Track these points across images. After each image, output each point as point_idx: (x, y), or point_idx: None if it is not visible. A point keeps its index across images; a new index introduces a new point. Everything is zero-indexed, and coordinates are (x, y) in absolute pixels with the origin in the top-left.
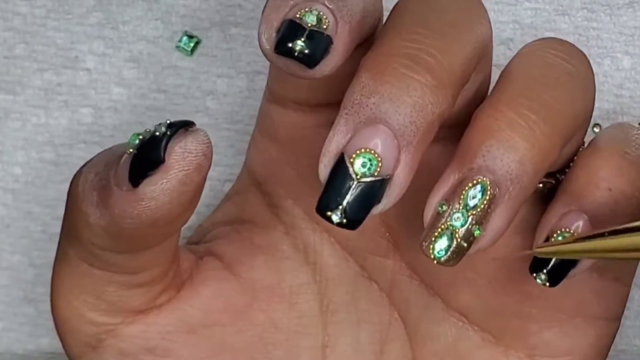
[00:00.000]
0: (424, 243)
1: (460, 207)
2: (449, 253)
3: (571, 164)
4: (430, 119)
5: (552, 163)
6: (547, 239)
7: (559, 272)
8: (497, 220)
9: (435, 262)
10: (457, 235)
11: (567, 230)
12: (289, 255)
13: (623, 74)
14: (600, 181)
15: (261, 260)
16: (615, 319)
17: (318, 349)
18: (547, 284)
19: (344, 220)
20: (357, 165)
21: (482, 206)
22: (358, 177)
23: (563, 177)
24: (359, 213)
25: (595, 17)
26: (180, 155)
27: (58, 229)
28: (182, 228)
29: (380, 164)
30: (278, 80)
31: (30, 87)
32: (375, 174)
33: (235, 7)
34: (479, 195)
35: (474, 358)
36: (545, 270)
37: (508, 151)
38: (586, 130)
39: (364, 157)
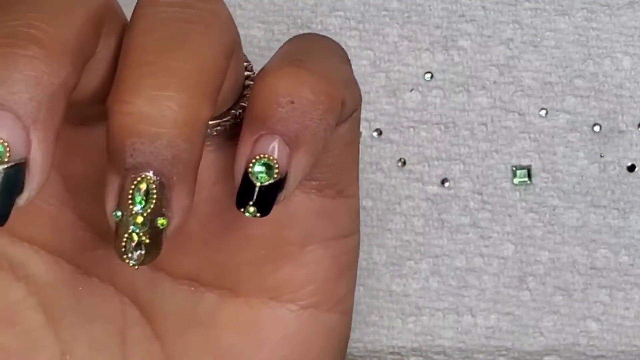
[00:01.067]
0: (117, 254)
1: (134, 210)
2: (143, 256)
3: (249, 90)
4: (50, 90)
5: (205, 122)
6: (246, 170)
7: (266, 199)
8: (177, 202)
9: (137, 268)
10: (143, 238)
11: (264, 156)
12: None
13: (623, 74)
14: (279, 97)
15: None
16: (349, 234)
17: (57, 358)
18: (258, 214)
19: None
20: None
21: (154, 200)
22: None
23: (240, 109)
24: (1, 206)
25: (595, 17)
26: None
27: None
28: None
29: (8, 150)
30: None
31: None
32: (6, 160)
33: (236, 7)
34: (147, 191)
35: (218, 319)
36: (251, 202)
37: (152, 141)
38: (239, 55)
39: None
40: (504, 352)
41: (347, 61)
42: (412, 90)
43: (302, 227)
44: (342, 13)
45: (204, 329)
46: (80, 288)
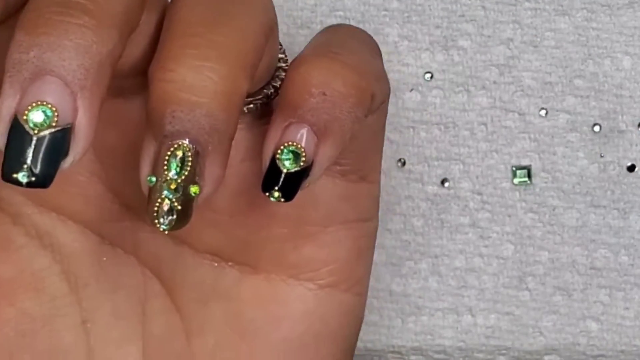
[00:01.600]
0: (148, 219)
1: (168, 176)
2: (174, 222)
3: (282, 74)
4: (98, 59)
5: (243, 95)
6: (273, 156)
7: (291, 185)
8: (210, 171)
9: (166, 232)
10: (175, 204)
11: (292, 143)
12: (23, 244)
13: (623, 74)
14: (312, 87)
15: None
16: (369, 219)
17: (78, 326)
18: (282, 199)
19: (33, 179)
20: (32, 120)
21: (188, 167)
22: (35, 131)
23: (272, 89)
24: (47, 168)
25: (595, 17)
26: None
27: None
28: None
29: (56, 114)
30: None
31: None
32: (54, 124)
33: None
34: (182, 158)
35: (237, 294)
36: (276, 187)
37: (192, 109)
38: (276, 35)
39: (38, 111)
40: (503, 352)
41: (379, 54)
42: (412, 90)
43: (325, 209)
44: (342, 13)
45: (224, 303)
46: (105, 258)
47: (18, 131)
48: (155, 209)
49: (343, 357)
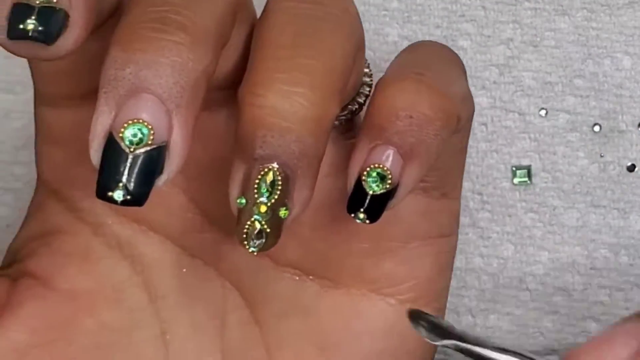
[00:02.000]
0: (238, 240)
1: (259, 199)
2: (263, 244)
3: (367, 90)
4: (194, 76)
5: (332, 120)
6: (359, 177)
7: (377, 206)
8: (299, 194)
9: (255, 254)
10: (264, 227)
11: (378, 166)
12: (103, 255)
13: (623, 74)
14: (399, 110)
15: (75, 268)
16: (449, 234)
17: (158, 338)
18: (367, 221)
19: (128, 197)
20: (128, 138)
21: (278, 191)
22: (131, 149)
23: (356, 104)
24: (142, 187)
25: (595, 17)
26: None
27: None
28: None
29: (152, 132)
30: (42, 78)
31: (31, 86)
32: (150, 142)
33: None
34: (272, 182)
35: (317, 308)
36: (362, 209)
37: (283, 135)
38: (363, 52)
39: (134, 129)
40: None
41: (464, 72)
42: None
43: (406, 225)
44: None
45: (304, 317)
46: (185, 270)
47: (113, 148)
48: (245, 230)
49: None
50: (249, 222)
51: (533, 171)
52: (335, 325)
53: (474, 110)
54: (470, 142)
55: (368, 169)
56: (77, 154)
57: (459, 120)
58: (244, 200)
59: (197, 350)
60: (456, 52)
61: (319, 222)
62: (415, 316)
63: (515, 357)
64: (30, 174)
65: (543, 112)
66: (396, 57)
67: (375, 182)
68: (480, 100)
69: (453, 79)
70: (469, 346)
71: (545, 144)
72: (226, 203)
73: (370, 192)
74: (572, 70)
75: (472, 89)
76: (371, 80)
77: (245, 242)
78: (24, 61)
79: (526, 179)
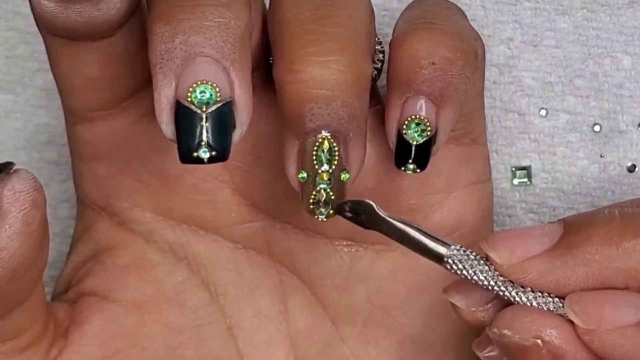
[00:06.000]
0: (306, 211)
1: (321, 169)
2: (332, 207)
3: (381, 56)
4: (239, 33)
5: (369, 78)
6: (399, 132)
7: (423, 154)
8: (354, 155)
9: (327, 220)
10: (330, 193)
11: (415, 117)
12: (158, 261)
13: (623, 74)
14: (422, 60)
15: (133, 278)
16: (486, 180)
17: (225, 333)
18: (418, 170)
19: (213, 153)
20: (198, 100)
21: (337, 157)
22: (204, 109)
23: (375, 71)
24: (222, 141)
25: (595, 17)
26: (12, 198)
27: (59, 229)
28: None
29: (218, 90)
30: (73, 93)
31: (31, 87)
32: (218, 99)
33: None
34: (329, 150)
35: (376, 272)
36: (410, 160)
37: (329, 103)
38: (374, 15)
39: (200, 89)
40: None
41: (466, 17)
42: None
43: (446, 175)
44: None
45: (365, 285)
46: (240, 263)
47: (186, 114)
48: (312, 201)
49: None
50: (314, 192)
51: (533, 172)
52: (396, 285)
53: (485, 48)
54: None
55: (406, 122)
56: (119, 164)
57: (476, 56)
58: (305, 174)
59: (266, 338)
60: None
61: (364, 188)
62: (340, 209)
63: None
64: None
65: (543, 112)
66: (401, 17)
67: (417, 132)
68: None
69: (460, 22)
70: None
71: (545, 144)
72: (269, 186)
73: (414, 143)
74: (572, 70)
75: None
76: (382, 47)
77: (316, 212)
78: (24, 61)
79: (526, 179)
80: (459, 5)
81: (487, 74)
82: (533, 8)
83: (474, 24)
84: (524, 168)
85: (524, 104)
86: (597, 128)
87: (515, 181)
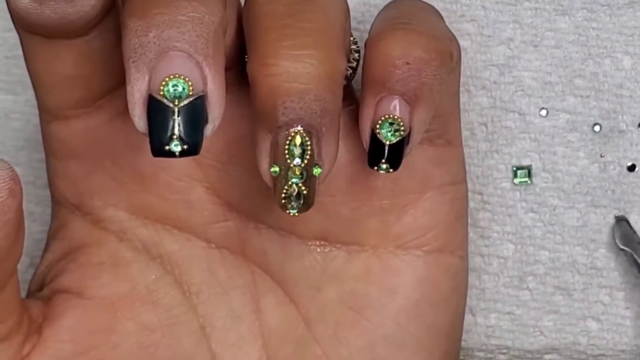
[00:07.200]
0: (278, 206)
1: (293, 163)
2: (304, 202)
3: (356, 55)
4: (213, 28)
5: (343, 73)
6: (373, 131)
7: (396, 154)
8: (326, 150)
9: (299, 215)
10: (302, 188)
11: (389, 116)
12: (132, 259)
13: (623, 74)
14: (396, 59)
15: (107, 275)
16: (460, 182)
17: (197, 332)
18: (390, 170)
19: (185, 147)
20: (170, 93)
21: (309, 151)
22: (176, 102)
23: (350, 70)
24: (194, 135)
25: (595, 17)
26: None
27: None
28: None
29: (190, 84)
30: (48, 91)
31: (31, 87)
32: (190, 93)
33: None
34: (302, 144)
35: (349, 273)
36: (383, 160)
37: (302, 97)
38: (349, 13)
39: (172, 83)
40: (504, 351)
41: (442, 18)
42: None
43: (419, 175)
44: None
45: (337, 285)
46: (214, 262)
47: (158, 107)
48: (283, 196)
49: (456, 323)
50: (286, 187)
51: (533, 171)
52: (369, 286)
53: (460, 50)
54: (471, 142)
55: (379, 121)
56: (93, 163)
57: (451, 57)
58: (277, 169)
59: (238, 338)
60: None
61: (337, 188)
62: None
63: None
64: (30, 175)
65: (543, 112)
66: (377, 17)
67: (390, 131)
68: (480, 100)
69: (435, 23)
70: None
71: (546, 144)
72: (243, 186)
73: (387, 142)
74: (572, 70)
75: (472, 89)
76: (358, 47)
77: (288, 206)
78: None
79: (526, 179)
80: (459, 5)
81: (487, 74)
82: (533, 8)
83: (474, 24)
84: (524, 167)
85: (524, 103)
86: (597, 128)
87: (516, 181)
